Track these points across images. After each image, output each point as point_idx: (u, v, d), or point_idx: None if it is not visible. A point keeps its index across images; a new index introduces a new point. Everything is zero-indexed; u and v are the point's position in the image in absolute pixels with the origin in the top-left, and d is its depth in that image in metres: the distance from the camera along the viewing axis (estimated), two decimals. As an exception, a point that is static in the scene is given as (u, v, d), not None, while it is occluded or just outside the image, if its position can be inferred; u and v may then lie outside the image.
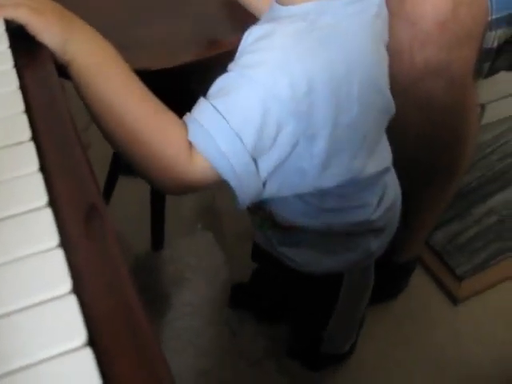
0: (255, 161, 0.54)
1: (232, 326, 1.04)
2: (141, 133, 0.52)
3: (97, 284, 0.33)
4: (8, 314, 0.30)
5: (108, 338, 0.30)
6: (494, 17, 0.76)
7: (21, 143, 0.39)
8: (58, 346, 0.29)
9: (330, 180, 0.61)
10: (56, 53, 0.51)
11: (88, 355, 0.28)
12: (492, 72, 0.87)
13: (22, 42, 0.50)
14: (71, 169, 0.39)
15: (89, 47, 0.52)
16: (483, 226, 1.18)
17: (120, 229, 1.13)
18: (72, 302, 0.30)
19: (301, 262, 0.74)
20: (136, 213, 1.13)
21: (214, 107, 0.52)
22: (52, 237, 0.33)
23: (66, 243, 0.34)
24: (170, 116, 0.53)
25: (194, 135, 0.52)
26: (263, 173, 0.55)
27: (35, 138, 0.40)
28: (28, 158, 0.38)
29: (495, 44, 0.79)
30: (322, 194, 0.64)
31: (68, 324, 0.30)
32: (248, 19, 0.67)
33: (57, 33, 0.50)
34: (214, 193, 1.23)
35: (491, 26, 0.76)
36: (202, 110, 0.53)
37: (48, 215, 0.35)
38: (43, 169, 0.38)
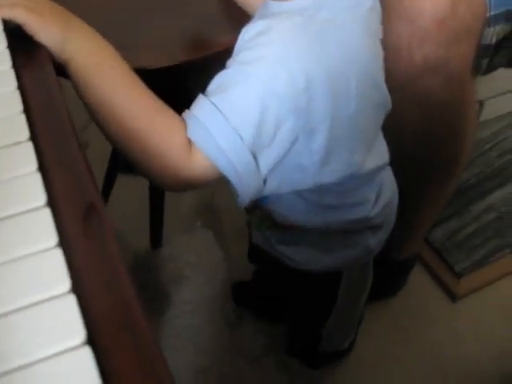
0: (255, 157, 0.54)
1: (232, 323, 1.04)
2: (140, 131, 0.52)
3: (95, 283, 0.33)
4: (7, 314, 0.30)
5: (107, 337, 0.30)
6: (492, 13, 0.76)
7: (19, 143, 0.39)
8: (57, 345, 0.29)
9: (329, 176, 0.62)
10: (54, 52, 0.51)
11: (87, 354, 0.29)
12: (490, 68, 0.87)
13: (20, 41, 0.50)
14: (69, 168, 0.39)
15: (87, 46, 0.52)
16: (482, 223, 1.18)
17: (119, 227, 1.14)
18: (71, 302, 0.31)
19: (300, 261, 0.74)
20: (135, 211, 1.13)
21: (213, 104, 0.52)
22: (51, 236, 0.34)
23: (64, 242, 0.34)
24: (169, 114, 0.53)
25: (194, 132, 0.52)
26: (263, 169, 0.55)
27: (33, 137, 0.41)
28: (26, 158, 0.38)
29: (493, 40, 0.79)
30: (320, 191, 0.64)
31: (67, 323, 0.30)
32: (245, 18, 0.67)
33: (54, 32, 0.50)
34: (213, 190, 1.24)
35: (489, 22, 0.76)
36: (201, 106, 0.53)
37: (47, 215, 0.35)
38: (42, 168, 0.38)
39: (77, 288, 0.32)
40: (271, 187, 0.59)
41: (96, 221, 0.37)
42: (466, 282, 1.11)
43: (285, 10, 0.55)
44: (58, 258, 0.33)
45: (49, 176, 0.38)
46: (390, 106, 0.66)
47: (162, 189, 0.91)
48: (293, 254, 0.74)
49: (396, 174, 0.82)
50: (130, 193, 1.16)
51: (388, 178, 0.74)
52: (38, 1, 0.52)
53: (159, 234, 1.10)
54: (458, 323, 1.06)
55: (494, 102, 1.34)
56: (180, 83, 0.80)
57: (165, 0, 0.89)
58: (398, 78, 0.76)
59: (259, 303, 1.05)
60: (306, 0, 0.55)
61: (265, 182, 0.57)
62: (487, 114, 1.34)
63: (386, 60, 0.77)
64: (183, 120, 0.53)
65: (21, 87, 0.45)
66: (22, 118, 0.41)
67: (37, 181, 0.37)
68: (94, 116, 0.53)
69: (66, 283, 0.31)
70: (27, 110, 0.43)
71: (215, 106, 0.52)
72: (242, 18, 0.69)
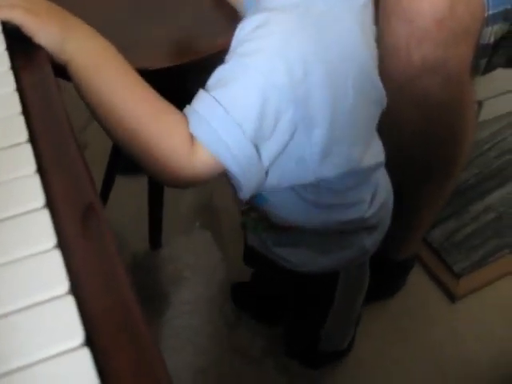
0: (257, 150, 0.54)
1: (231, 324, 1.04)
2: (141, 129, 0.52)
3: (94, 283, 0.33)
4: (4, 315, 0.30)
5: (106, 338, 0.30)
6: (490, 12, 0.76)
7: (18, 145, 0.39)
8: (56, 346, 0.29)
9: (329, 170, 0.62)
10: (53, 53, 0.51)
11: (85, 355, 0.29)
12: (489, 68, 0.87)
13: (19, 43, 0.50)
14: (68, 169, 0.39)
15: (87, 46, 0.52)
16: (481, 223, 1.18)
17: (118, 228, 1.14)
18: (69, 303, 0.31)
19: (296, 262, 0.74)
20: (134, 212, 1.13)
21: (214, 98, 0.52)
22: (49, 238, 0.34)
23: (63, 243, 0.34)
24: (170, 111, 0.53)
25: (196, 127, 0.52)
26: (265, 162, 0.55)
27: (32, 139, 0.41)
28: (25, 160, 0.38)
29: (492, 40, 0.79)
30: (318, 190, 0.65)
31: (65, 324, 0.30)
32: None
33: (53, 32, 0.50)
34: (212, 191, 1.24)
35: (488, 21, 0.76)
36: (202, 101, 0.53)
37: (45, 216, 0.35)
38: (40, 170, 0.38)
39: (76, 289, 0.32)
40: (272, 181, 0.60)
41: (95, 222, 0.37)
42: (465, 282, 1.11)
43: (280, 3, 0.55)
44: (56, 259, 0.33)
45: (47, 177, 0.38)
46: (385, 103, 0.66)
47: (164, 185, 0.91)
48: (289, 256, 0.74)
49: (394, 175, 0.82)
50: (129, 194, 1.16)
51: (383, 179, 0.75)
52: (35, 1, 0.52)
53: (158, 234, 1.11)
54: (458, 323, 1.06)
55: (492, 102, 1.34)
56: (179, 84, 0.80)
57: (164, 0, 0.89)
58: (397, 78, 0.76)
59: (258, 304, 1.05)
60: None
61: (266, 174, 0.58)
62: (486, 114, 1.34)
63: (385, 60, 0.77)
64: (184, 116, 0.53)
65: (19, 89, 0.45)
66: (21, 120, 0.41)
67: (35, 182, 0.37)
68: (96, 115, 0.53)
69: (64, 284, 0.31)
70: (26, 112, 0.43)
71: (216, 100, 0.52)
72: (240, 17, 0.69)
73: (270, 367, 0.99)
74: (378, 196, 0.72)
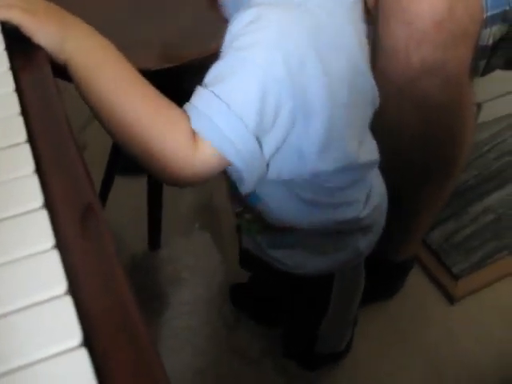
0: (259, 143, 0.54)
1: (229, 325, 1.04)
2: (143, 128, 0.52)
3: (93, 284, 0.33)
4: (4, 315, 0.30)
5: (104, 338, 0.30)
6: (489, 14, 0.76)
7: (17, 145, 0.40)
8: (54, 347, 0.29)
9: (327, 164, 0.62)
10: (53, 53, 0.51)
11: (83, 356, 0.29)
12: (488, 70, 0.87)
13: (18, 43, 0.50)
14: (67, 170, 0.39)
15: (86, 45, 0.52)
16: (480, 225, 1.18)
17: (117, 229, 1.14)
18: (67, 303, 0.31)
19: (291, 265, 0.74)
20: (133, 212, 1.13)
21: (214, 93, 0.52)
22: (48, 238, 0.34)
23: (62, 244, 0.34)
24: (171, 108, 0.53)
25: (198, 124, 0.52)
26: (266, 154, 0.56)
27: (31, 139, 0.41)
28: (24, 160, 0.38)
29: (490, 41, 0.79)
30: (314, 188, 0.65)
31: (64, 324, 0.30)
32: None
33: (52, 32, 0.50)
34: (211, 191, 1.24)
35: (486, 23, 0.77)
36: (202, 98, 0.53)
37: (44, 216, 0.35)
38: (39, 170, 0.38)
39: (74, 289, 0.32)
40: (271, 174, 0.60)
41: (93, 222, 0.37)
42: (464, 283, 1.11)
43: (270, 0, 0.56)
44: (54, 259, 0.33)
45: (46, 178, 0.38)
46: (377, 102, 0.67)
47: (165, 183, 0.90)
48: (284, 258, 0.74)
49: (394, 177, 0.82)
50: (128, 194, 1.16)
51: (377, 181, 0.75)
52: (34, 1, 0.52)
53: (157, 235, 1.10)
54: (456, 325, 1.06)
55: (492, 104, 1.34)
56: (179, 84, 0.80)
57: (164, 0, 0.89)
58: (396, 80, 0.76)
59: (256, 305, 1.05)
60: None
61: (267, 167, 0.58)
62: (485, 115, 1.34)
63: (384, 62, 0.78)
64: (185, 112, 0.53)
65: (18, 89, 0.45)
66: (20, 120, 0.41)
67: (34, 182, 0.37)
68: (96, 114, 0.53)
69: (62, 285, 0.31)
70: (25, 112, 0.43)
71: (216, 95, 0.52)
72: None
73: (268, 368, 0.99)
74: (372, 197, 0.72)
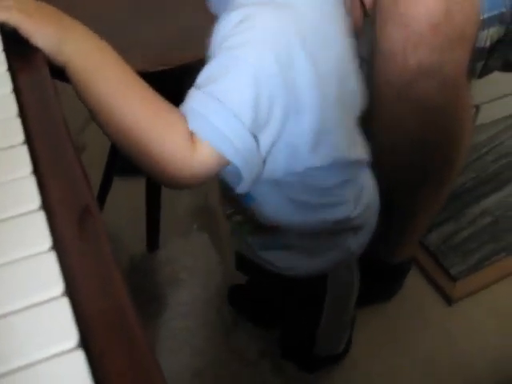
0: (255, 139, 0.55)
1: (228, 326, 1.04)
2: (141, 131, 0.52)
3: (90, 286, 0.33)
4: (1, 316, 0.31)
5: (101, 340, 0.31)
6: (486, 16, 0.76)
7: (14, 146, 0.40)
8: (51, 348, 0.29)
9: (319, 159, 0.63)
10: (51, 54, 0.51)
11: (79, 357, 0.29)
12: (485, 72, 0.87)
13: (16, 45, 0.50)
14: (64, 171, 0.39)
15: (84, 46, 0.52)
16: (477, 227, 1.18)
17: (116, 230, 1.14)
18: (64, 305, 0.31)
19: (283, 266, 0.74)
20: (131, 214, 1.14)
21: (209, 94, 0.53)
22: (45, 240, 0.34)
23: (59, 245, 0.34)
24: (169, 110, 0.53)
25: (195, 124, 0.53)
26: (263, 151, 0.56)
27: (28, 141, 0.41)
28: (21, 162, 0.38)
29: (487, 43, 0.80)
30: (304, 189, 0.66)
31: (60, 326, 0.30)
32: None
33: (50, 33, 0.50)
34: (209, 193, 1.24)
35: (483, 25, 0.77)
36: (198, 98, 0.54)
37: (41, 218, 0.35)
38: (36, 171, 0.38)
39: (71, 290, 0.32)
40: (266, 172, 0.60)
41: (91, 224, 0.37)
42: (462, 285, 1.11)
43: (256, 0, 0.57)
44: (52, 261, 0.33)
45: (43, 179, 0.38)
46: (364, 102, 0.68)
47: (164, 185, 0.91)
48: (275, 260, 0.74)
49: (391, 178, 0.83)
50: (127, 195, 1.17)
51: (368, 181, 0.75)
52: (32, 3, 0.52)
53: (155, 236, 1.11)
54: (454, 326, 1.07)
55: (490, 106, 1.34)
56: (179, 86, 0.80)
57: (161, 1, 0.89)
58: (393, 82, 0.76)
59: (253, 307, 1.05)
60: None
61: (264, 164, 0.59)
62: (483, 118, 1.34)
63: (381, 65, 0.78)
64: (183, 114, 0.53)
65: (16, 90, 0.45)
66: (17, 122, 0.42)
67: (31, 184, 0.37)
68: (95, 116, 0.53)
69: (59, 286, 0.32)
70: (22, 114, 0.43)
71: (212, 95, 0.53)
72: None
73: (266, 369, 0.99)
74: (362, 197, 0.73)
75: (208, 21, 0.83)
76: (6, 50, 0.49)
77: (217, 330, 1.04)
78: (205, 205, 1.23)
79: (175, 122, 0.53)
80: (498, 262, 1.14)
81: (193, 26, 0.83)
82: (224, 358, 1.00)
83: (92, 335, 0.30)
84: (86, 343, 0.30)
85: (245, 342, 1.02)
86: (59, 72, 0.52)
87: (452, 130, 0.82)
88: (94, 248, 0.35)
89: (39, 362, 0.29)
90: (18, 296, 0.31)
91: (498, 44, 0.80)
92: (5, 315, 0.31)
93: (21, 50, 0.50)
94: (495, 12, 0.77)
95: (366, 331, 1.02)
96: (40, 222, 0.35)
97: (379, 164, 0.88)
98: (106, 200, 1.11)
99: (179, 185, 0.57)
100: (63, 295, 0.31)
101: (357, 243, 0.75)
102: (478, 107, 1.31)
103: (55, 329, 0.30)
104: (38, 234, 0.34)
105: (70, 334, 0.29)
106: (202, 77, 0.55)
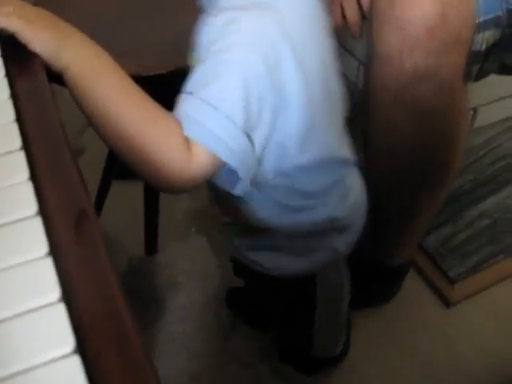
0: (249, 139, 0.56)
1: (226, 329, 1.04)
2: (137, 138, 0.52)
3: (86, 290, 0.34)
4: (-2, 322, 0.31)
5: (97, 345, 0.31)
6: (481, 19, 0.76)
7: (11, 152, 0.40)
8: (47, 353, 0.29)
9: (308, 158, 0.64)
10: (49, 60, 0.51)
11: (76, 362, 0.29)
12: (482, 75, 0.87)
13: (14, 50, 0.50)
14: (61, 176, 0.40)
15: (82, 53, 0.53)
16: (475, 229, 1.18)
17: (114, 233, 1.14)
18: (61, 311, 0.31)
19: (269, 267, 0.75)
20: (130, 217, 1.14)
21: (201, 98, 0.54)
22: (42, 245, 0.34)
23: (56, 250, 0.35)
24: (164, 117, 0.54)
25: (190, 130, 0.53)
26: (257, 150, 0.58)
27: (26, 146, 0.41)
28: (18, 167, 0.39)
29: (483, 47, 0.80)
30: (291, 193, 0.67)
31: (57, 332, 0.30)
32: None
33: (48, 39, 0.51)
34: (207, 196, 1.24)
35: (479, 28, 0.77)
36: (190, 103, 0.55)
37: (38, 224, 0.35)
38: (33, 177, 0.39)
39: (68, 295, 0.32)
40: (260, 170, 0.62)
41: (87, 229, 0.37)
42: (460, 287, 1.11)
43: (239, 3, 0.58)
44: (48, 267, 0.33)
45: (40, 184, 0.38)
46: (347, 102, 0.70)
47: (161, 191, 0.92)
48: (262, 261, 0.75)
49: (388, 181, 0.83)
50: (125, 199, 1.17)
51: (355, 182, 0.76)
52: (30, 9, 0.53)
53: (154, 240, 1.11)
54: (452, 329, 1.07)
55: (487, 108, 1.34)
56: (173, 90, 0.80)
57: (157, 5, 0.89)
58: (390, 86, 0.77)
59: (251, 310, 1.05)
60: None
61: (259, 163, 0.60)
62: (481, 120, 1.35)
63: (378, 69, 0.78)
64: (177, 120, 0.54)
65: (14, 96, 0.45)
66: (15, 127, 0.42)
67: (28, 190, 0.37)
68: (92, 123, 0.53)
69: (56, 292, 0.32)
70: (20, 119, 0.43)
71: (204, 100, 0.54)
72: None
73: (264, 373, 0.99)
74: (349, 197, 0.73)
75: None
76: (4, 56, 0.49)
77: (215, 333, 1.04)
78: (203, 208, 1.23)
79: (171, 128, 0.53)
80: (496, 265, 1.14)
81: (191, 30, 0.83)
82: (222, 361, 1.00)
83: (88, 338, 0.31)
84: (82, 346, 0.30)
85: (243, 345, 1.02)
86: (57, 76, 0.52)
87: (449, 132, 0.82)
88: (90, 252, 0.35)
89: (36, 366, 0.29)
90: (15, 302, 0.31)
91: (493, 47, 0.80)
92: (2, 321, 0.31)
93: (18, 56, 0.50)
94: (491, 15, 0.77)
95: (364, 333, 1.02)
96: (37, 227, 0.35)
97: (377, 167, 0.89)
98: (104, 203, 1.11)
99: (177, 189, 0.58)
100: (60, 301, 0.31)
101: (344, 243, 0.75)
102: (475, 110, 1.32)
103: (52, 334, 0.30)
104: (34, 239, 0.34)
105: (66, 340, 0.30)
106: (193, 82, 0.56)
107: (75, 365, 0.29)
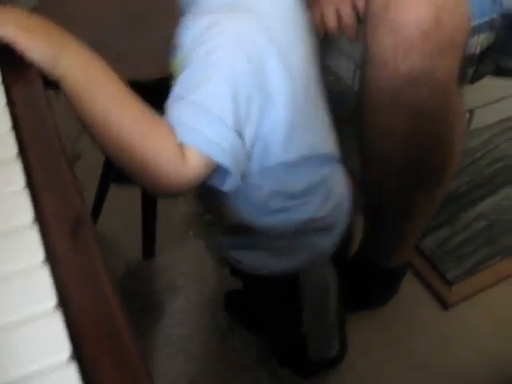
0: (240, 137, 0.57)
1: (223, 332, 1.05)
2: (133, 145, 0.53)
3: (82, 297, 0.34)
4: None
5: (93, 351, 0.31)
6: (476, 23, 0.77)
7: (7, 160, 0.40)
8: (44, 361, 0.30)
9: (291, 154, 0.65)
10: (46, 69, 0.51)
11: (72, 369, 0.29)
12: (477, 77, 0.88)
13: (10, 57, 0.50)
14: (57, 185, 0.40)
15: (80, 62, 0.53)
16: (473, 231, 1.19)
17: (112, 237, 1.14)
18: (57, 319, 0.31)
19: (253, 265, 0.76)
20: (128, 221, 1.14)
21: (192, 102, 0.55)
22: (38, 254, 0.34)
23: (52, 258, 0.35)
24: (159, 124, 0.55)
25: (183, 135, 0.54)
26: (247, 147, 0.60)
27: (22, 154, 0.41)
28: (14, 175, 0.39)
29: (478, 50, 0.80)
30: (273, 194, 0.68)
31: (54, 339, 0.30)
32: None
33: (46, 49, 0.51)
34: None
35: (474, 31, 0.77)
36: (181, 108, 0.55)
37: (34, 231, 0.35)
38: (30, 184, 0.39)
39: (64, 302, 0.33)
40: (247, 167, 0.63)
41: (84, 236, 0.37)
42: (458, 289, 1.11)
43: (220, 4, 0.59)
44: (45, 275, 0.33)
45: (37, 192, 0.38)
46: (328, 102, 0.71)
47: (157, 196, 0.93)
48: (246, 259, 0.76)
49: (385, 183, 0.83)
50: (123, 203, 1.17)
51: (339, 180, 0.76)
52: (28, 17, 0.53)
53: (152, 244, 1.11)
54: (450, 331, 1.07)
55: (484, 110, 1.35)
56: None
57: (154, 10, 0.89)
58: (385, 88, 0.77)
59: (248, 312, 1.06)
60: None
61: (249, 158, 0.62)
62: (477, 122, 1.35)
63: (373, 72, 0.78)
64: (171, 126, 0.55)
65: (10, 103, 0.45)
66: (11, 135, 0.42)
67: (25, 198, 0.37)
68: (88, 131, 0.54)
69: (52, 301, 0.32)
70: (16, 126, 0.43)
71: (195, 103, 0.55)
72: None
73: (262, 376, 0.99)
74: (332, 197, 0.74)
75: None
76: (0, 63, 0.49)
77: (212, 336, 1.04)
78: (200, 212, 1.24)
79: (166, 135, 0.54)
80: (493, 266, 1.14)
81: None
82: (220, 364, 1.00)
83: (85, 345, 0.31)
84: (78, 353, 0.30)
85: (241, 349, 1.02)
86: (53, 82, 0.52)
87: (444, 135, 0.83)
88: (86, 260, 0.36)
89: (33, 374, 0.29)
90: (12, 309, 0.32)
91: (488, 50, 0.80)
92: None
93: (14, 63, 0.50)
94: (485, 18, 0.77)
95: (361, 336, 1.02)
96: (33, 236, 0.35)
97: (372, 170, 0.89)
98: (102, 207, 1.12)
99: (174, 193, 0.59)
100: (56, 309, 0.32)
101: (327, 243, 0.76)
102: (472, 112, 1.32)
103: (48, 342, 0.30)
104: (31, 247, 0.34)
105: (62, 348, 0.30)
106: (182, 85, 0.57)
107: (72, 372, 0.29)
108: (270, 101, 0.60)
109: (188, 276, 1.11)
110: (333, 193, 0.74)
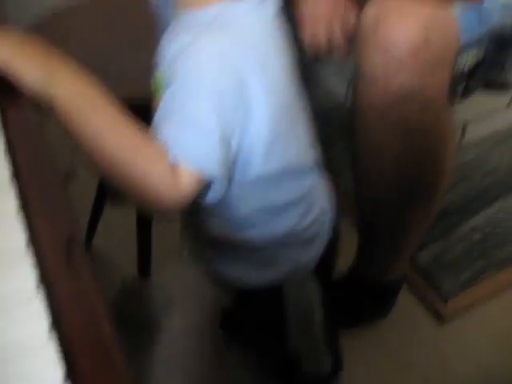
0: (229, 147, 0.58)
1: (220, 349, 1.04)
2: (126, 166, 0.54)
3: (76, 319, 0.34)
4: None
5: (86, 370, 0.31)
6: (464, 40, 0.78)
7: (1, 183, 0.40)
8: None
9: (271, 166, 0.66)
10: (38, 93, 0.52)
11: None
12: (467, 93, 0.89)
13: (4, 83, 0.51)
14: (51, 207, 0.40)
15: (70, 87, 0.54)
16: (467, 244, 1.19)
17: (108, 255, 1.14)
18: (51, 343, 0.31)
19: (233, 277, 0.76)
20: (123, 239, 1.14)
21: (179, 120, 0.56)
22: (31, 277, 0.34)
23: (46, 279, 0.35)
24: (150, 145, 0.55)
25: (174, 151, 0.55)
26: (235, 155, 0.61)
27: (16, 175, 0.42)
28: (8, 198, 0.39)
29: (467, 67, 0.81)
30: (256, 206, 0.68)
31: (46, 364, 0.31)
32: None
33: (36, 77, 0.52)
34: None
35: (462, 49, 0.78)
36: (169, 127, 0.56)
37: (28, 253, 0.36)
38: (24, 206, 0.39)
39: (59, 324, 0.33)
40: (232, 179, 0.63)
41: (77, 258, 0.38)
42: (453, 303, 1.11)
43: (201, 20, 0.60)
44: (38, 301, 0.33)
45: (30, 215, 0.39)
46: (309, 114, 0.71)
47: (155, 213, 0.93)
48: (228, 271, 0.76)
49: (377, 199, 0.83)
50: (119, 221, 1.17)
51: (319, 194, 0.76)
52: (20, 43, 0.54)
53: (147, 261, 1.11)
54: (447, 345, 1.07)
55: (476, 124, 1.36)
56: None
57: (146, 28, 0.90)
58: (376, 105, 0.78)
59: (244, 330, 1.05)
60: (214, 8, 0.60)
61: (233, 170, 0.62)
62: (470, 136, 1.36)
63: (364, 89, 0.79)
64: (162, 145, 0.55)
65: (4, 125, 0.46)
66: (5, 158, 0.42)
67: (18, 221, 0.38)
68: (81, 150, 0.55)
69: (44, 325, 0.32)
70: (10, 148, 0.44)
71: (182, 121, 0.56)
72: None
73: (259, 392, 0.99)
74: (313, 210, 0.74)
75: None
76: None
77: (209, 353, 1.04)
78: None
79: (157, 154, 0.55)
80: (488, 279, 1.14)
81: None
82: (217, 381, 1.00)
83: (78, 364, 0.31)
84: (72, 372, 0.30)
85: (237, 366, 1.02)
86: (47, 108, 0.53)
87: (435, 151, 0.83)
88: (79, 283, 0.36)
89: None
90: (4, 331, 0.32)
91: (477, 66, 0.81)
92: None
93: (9, 83, 0.51)
94: (474, 36, 0.78)
95: (357, 350, 1.02)
96: (26, 257, 0.35)
97: (365, 187, 0.89)
98: (97, 225, 1.12)
99: (167, 210, 0.59)
100: (50, 334, 0.32)
101: (309, 255, 0.76)
102: (465, 125, 1.33)
103: (43, 367, 0.30)
104: (24, 270, 0.35)
105: (55, 371, 0.30)
106: (167, 103, 0.57)
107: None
108: (251, 114, 0.61)
109: (184, 293, 1.11)
110: (313, 207, 0.74)
